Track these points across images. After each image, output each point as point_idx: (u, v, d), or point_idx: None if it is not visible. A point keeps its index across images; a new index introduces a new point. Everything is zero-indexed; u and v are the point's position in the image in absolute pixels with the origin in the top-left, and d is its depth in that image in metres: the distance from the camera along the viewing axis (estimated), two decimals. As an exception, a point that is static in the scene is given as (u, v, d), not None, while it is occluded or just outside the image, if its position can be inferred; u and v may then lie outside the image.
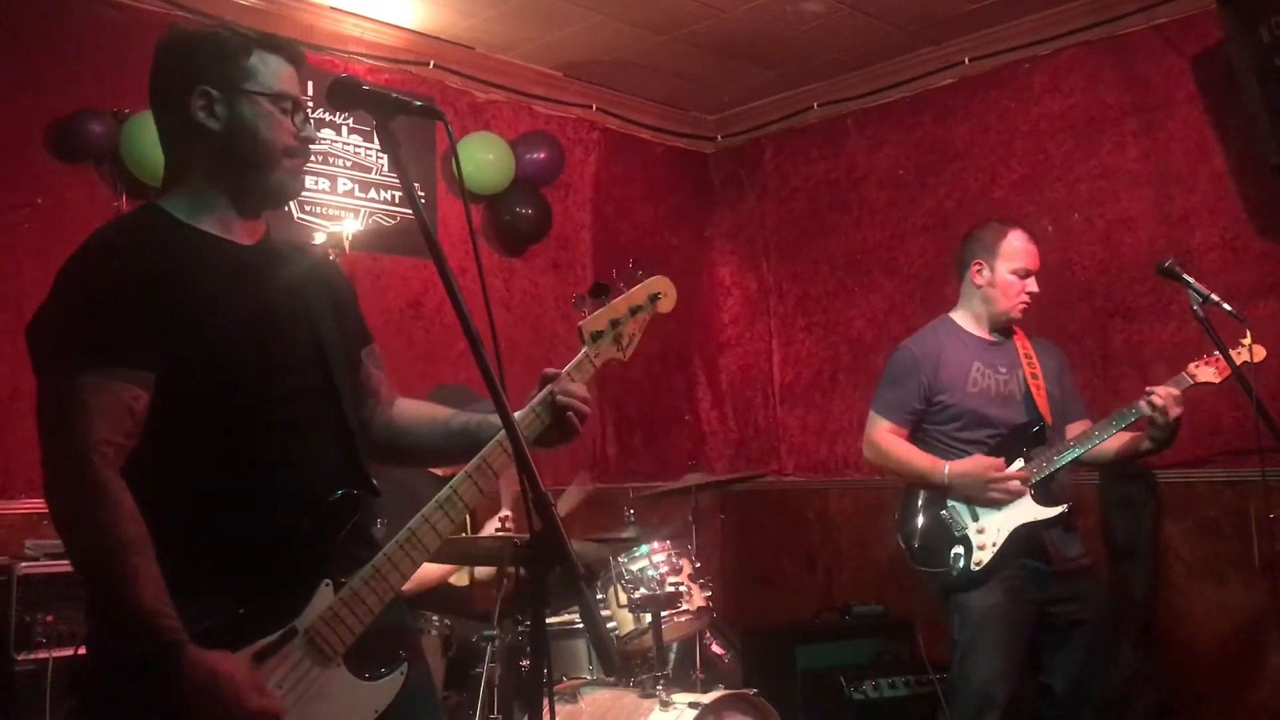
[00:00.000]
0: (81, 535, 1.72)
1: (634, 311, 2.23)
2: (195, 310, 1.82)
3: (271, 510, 1.85)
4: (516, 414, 1.94)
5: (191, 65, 1.91)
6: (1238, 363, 3.36)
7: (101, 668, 1.79)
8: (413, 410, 2.22)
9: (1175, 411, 3.38)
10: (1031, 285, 3.67)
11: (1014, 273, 3.66)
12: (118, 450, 1.73)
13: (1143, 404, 3.40)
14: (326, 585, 1.84)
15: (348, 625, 1.83)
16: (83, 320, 1.77)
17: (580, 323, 2.16)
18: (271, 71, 1.93)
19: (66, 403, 1.73)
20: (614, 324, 2.19)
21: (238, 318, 1.87)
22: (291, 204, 4.37)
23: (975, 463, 3.49)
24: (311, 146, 2.02)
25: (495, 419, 1.99)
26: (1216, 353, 3.39)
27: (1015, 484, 3.44)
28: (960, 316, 3.78)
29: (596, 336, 2.17)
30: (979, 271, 3.71)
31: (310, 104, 2.03)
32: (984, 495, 3.45)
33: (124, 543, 1.68)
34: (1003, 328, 3.73)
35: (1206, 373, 3.44)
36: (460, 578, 4.12)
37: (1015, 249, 3.67)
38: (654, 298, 2.27)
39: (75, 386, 1.73)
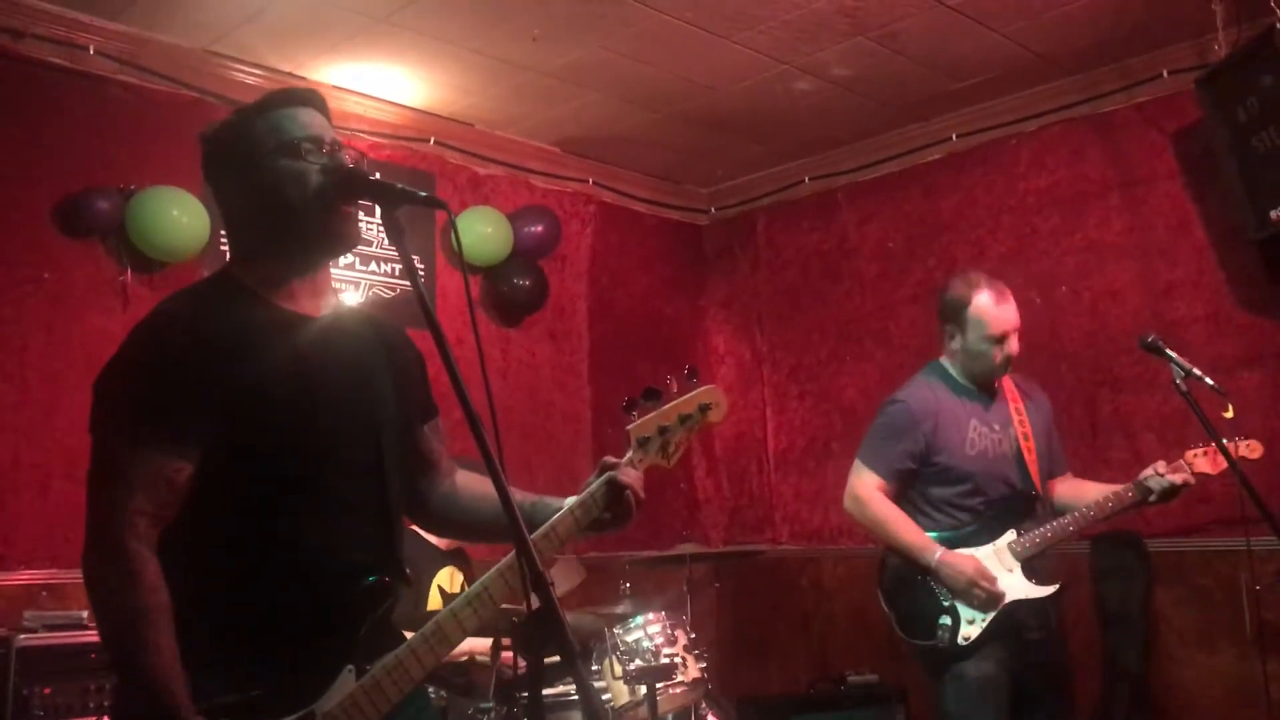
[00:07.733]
0: (102, 600, 1.75)
1: (683, 421, 2.17)
2: (247, 385, 1.83)
3: (300, 590, 1.84)
4: (573, 499, 2.02)
5: (222, 151, 1.97)
6: (1234, 455, 3.37)
7: None
8: (469, 485, 2.21)
9: (1172, 500, 3.40)
10: (1010, 347, 3.47)
11: (986, 339, 3.46)
12: (150, 521, 1.76)
13: (1149, 485, 3.40)
14: (349, 672, 1.83)
15: (365, 714, 1.82)
16: (136, 392, 1.81)
17: (628, 427, 2.13)
18: (287, 124, 1.93)
19: (109, 473, 1.78)
20: (662, 431, 2.15)
21: (290, 392, 1.87)
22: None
23: (970, 564, 3.36)
24: (351, 169, 1.95)
25: (550, 501, 2.04)
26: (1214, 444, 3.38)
27: (997, 596, 3.35)
28: (951, 366, 3.64)
29: (644, 443, 2.13)
30: (951, 338, 3.55)
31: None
32: (963, 595, 3.35)
33: (139, 611, 1.71)
34: (988, 386, 3.60)
35: (1204, 464, 3.41)
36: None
37: (983, 315, 3.45)
38: (704, 408, 2.21)
39: (120, 457, 1.77)
